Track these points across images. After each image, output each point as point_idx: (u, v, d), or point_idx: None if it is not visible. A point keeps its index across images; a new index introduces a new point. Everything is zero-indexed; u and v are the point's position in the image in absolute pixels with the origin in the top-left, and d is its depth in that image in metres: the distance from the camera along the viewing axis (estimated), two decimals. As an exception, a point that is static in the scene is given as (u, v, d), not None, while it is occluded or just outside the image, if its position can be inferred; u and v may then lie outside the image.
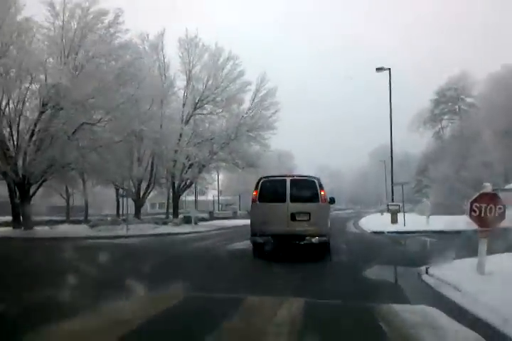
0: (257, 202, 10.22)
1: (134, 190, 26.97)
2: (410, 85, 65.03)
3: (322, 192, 10.10)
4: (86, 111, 20.06)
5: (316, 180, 10.33)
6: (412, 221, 20.76)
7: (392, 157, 27.51)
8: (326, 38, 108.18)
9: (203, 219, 31.59)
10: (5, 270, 8.56)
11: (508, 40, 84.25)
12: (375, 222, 26.09)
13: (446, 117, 49.47)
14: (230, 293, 5.78)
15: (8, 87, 19.18)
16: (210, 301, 5.20)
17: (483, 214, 6.39)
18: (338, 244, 12.54)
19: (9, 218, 21.17)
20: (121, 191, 27.91)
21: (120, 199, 32.31)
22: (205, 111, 28.97)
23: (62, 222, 27.50)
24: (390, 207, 23.85)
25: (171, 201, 31.39)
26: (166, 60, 28.31)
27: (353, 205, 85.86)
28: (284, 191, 10.03)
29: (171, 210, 31.46)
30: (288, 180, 10.23)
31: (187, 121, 28.13)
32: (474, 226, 6.58)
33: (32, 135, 19.70)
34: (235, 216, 41.27)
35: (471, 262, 6.90)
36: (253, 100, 28.81)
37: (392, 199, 27.09)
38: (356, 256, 10.99)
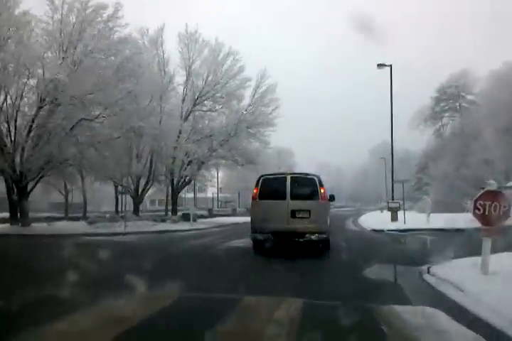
0: (258, 200, 10.31)
1: (132, 187, 26.82)
2: (411, 82, 64.82)
3: (322, 190, 10.20)
4: (84, 107, 19.82)
5: (316, 178, 10.43)
6: (412, 219, 20.67)
7: (392, 154, 27.28)
8: (326, 34, 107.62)
9: (202, 217, 31.57)
10: (0, 267, 8.43)
11: (509, 37, 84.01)
12: (375, 219, 26.03)
13: (446, 114, 49.40)
14: (226, 293, 5.65)
15: (6, 82, 18.95)
16: (205, 301, 5.06)
17: (487, 213, 6.27)
18: (337, 241, 12.46)
19: (7, 214, 21.02)
20: (119, 188, 27.76)
21: (119, 196, 32.18)
22: (204, 108, 28.73)
23: (60, 218, 27.35)
24: (390, 205, 23.73)
25: (170, 198, 31.27)
26: (165, 56, 28.08)
27: (353, 203, 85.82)
28: (284, 189, 10.12)
29: (170, 207, 31.34)
30: (288, 177, 10.34)
31: (186, 118, 27.93)
32: (478, 223, 6.45)
33: (30, 131, 19.54)
34: (234, 213, 41.30)
35: (473, 261, 6.77)
36: (253, 96, 28.56)
37: (393, 197, 26.93)
38: (356, 254, 10.90)
